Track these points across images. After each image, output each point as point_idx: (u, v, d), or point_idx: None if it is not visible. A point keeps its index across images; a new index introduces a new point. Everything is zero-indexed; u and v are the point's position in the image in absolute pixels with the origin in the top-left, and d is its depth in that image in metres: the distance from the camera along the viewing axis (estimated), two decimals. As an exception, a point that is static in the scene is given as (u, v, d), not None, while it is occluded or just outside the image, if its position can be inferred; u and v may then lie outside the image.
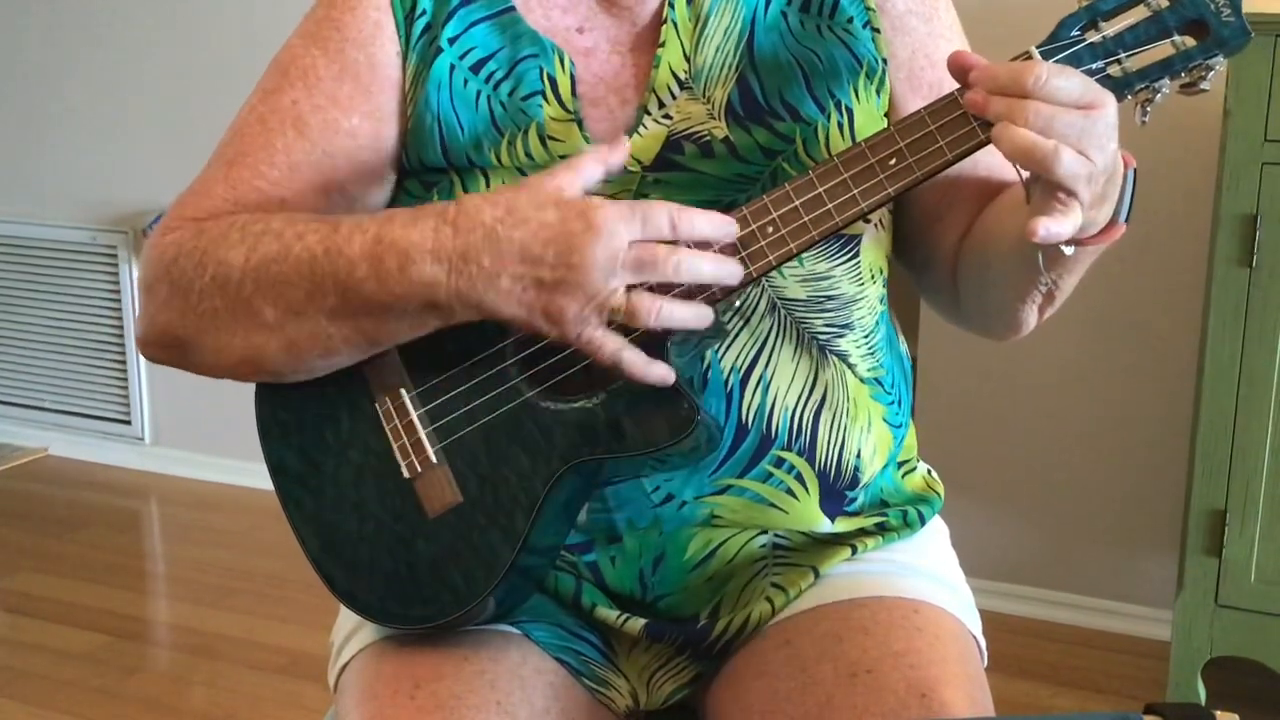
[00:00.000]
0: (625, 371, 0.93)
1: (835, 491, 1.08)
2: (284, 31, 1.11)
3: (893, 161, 0.96)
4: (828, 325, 1.07)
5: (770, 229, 0.97)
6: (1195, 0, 0.93)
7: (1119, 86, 0.94)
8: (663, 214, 0.91)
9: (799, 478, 1.06)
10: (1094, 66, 0.94)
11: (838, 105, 1.05)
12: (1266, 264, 1.98)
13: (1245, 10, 0.94)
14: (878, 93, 1.07)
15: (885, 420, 1.11)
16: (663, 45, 1.06)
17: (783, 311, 1.05)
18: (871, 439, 1.10)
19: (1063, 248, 0.97)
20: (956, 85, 0.95)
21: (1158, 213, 2.39)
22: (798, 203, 0.96)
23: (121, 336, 3.46)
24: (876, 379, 1.10)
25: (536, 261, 0.90)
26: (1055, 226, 0.89)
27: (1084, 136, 0.89)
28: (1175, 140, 2.32)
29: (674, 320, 0.92)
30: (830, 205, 0.96)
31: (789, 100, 1.05)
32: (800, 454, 1.06)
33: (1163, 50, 0.94)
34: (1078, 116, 0.89)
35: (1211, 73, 0.94)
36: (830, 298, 1.07)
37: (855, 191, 0.96)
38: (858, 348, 1.09)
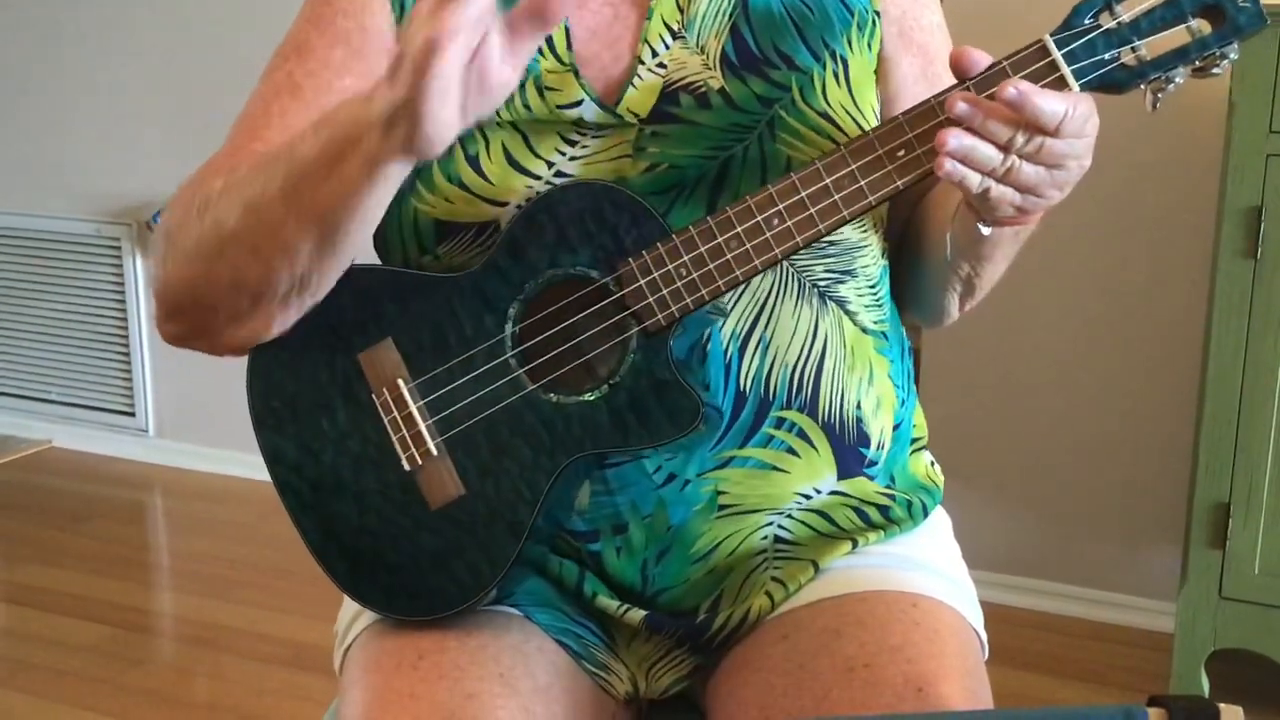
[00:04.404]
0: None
1: (849, 449, 1.08)
2: (286, 23, 1.11)
3: (901, 153, 0.95)
4: (828, 271, 1.07)
5: (776, 221, 0.96)
6: None
7: (1135, 76, 0.93)
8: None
9: (801, 434, 1.06)
10: (1107, 56, 0.93)
11: (832, 55, 1.06)
12: (1271, 256, 1.97)
13: (1253, 1, 0.93)
14: (870, 46, 1.08)
15: (889, 377, 1.11)
16: None
17: (784, 261, 1.05)
18: (873, 393, 1.09)
19: (980, 227, 0.98)
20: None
21: (1162, 205, 2.39)
22: (804, 194, 0.96)
23: (125, 329, 3.46)
24: (882, 333, 1.10)
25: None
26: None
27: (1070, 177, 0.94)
28: (1180, 132, 2.31)
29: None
30: (837, 197, 0.96)
31: (784, 50, 1.05)
32: (801, 409, 1.06)
33: (1177, 37, 0.93)
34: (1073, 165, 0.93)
35: (1226, 60, 0.94)
36: (832, 242, 1.06)
37: (863, 183, 0.95)
38: (860, 296, 1.08)
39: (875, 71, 1.09)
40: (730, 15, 1.06)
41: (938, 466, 1.20)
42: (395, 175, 0.93)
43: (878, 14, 1.09)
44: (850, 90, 1.06)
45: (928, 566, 1.10)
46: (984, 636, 1.11)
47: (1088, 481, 2.53)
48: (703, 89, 1.04)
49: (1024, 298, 2.46)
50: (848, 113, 1.05)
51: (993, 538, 2.58)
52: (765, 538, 1.08)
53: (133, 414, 3.51)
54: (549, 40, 1.05)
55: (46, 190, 3.50)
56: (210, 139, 1.12)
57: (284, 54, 1.09)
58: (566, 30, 1.06)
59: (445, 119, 0.85)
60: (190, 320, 1.04)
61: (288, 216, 0.95)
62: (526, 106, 1.04)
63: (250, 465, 3.23)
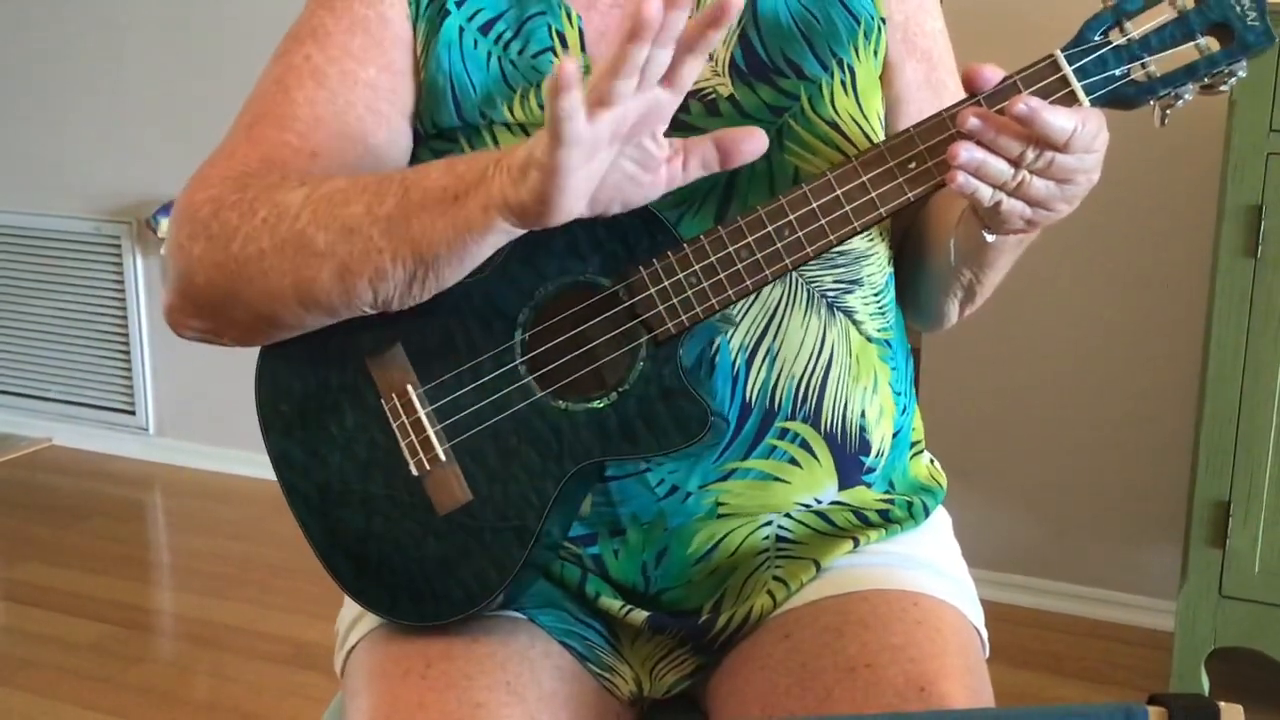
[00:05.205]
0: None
1: (850, 458, 1.08)
2: (287, 20, 1.11)
3: (912, 165, 0.95)
4: (837, 281, 1.07)
5: (787, 231, 0.96)
6: (1221, 2, 0.92)
7: (1143, 92, 0.94)
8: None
9: (804, 445, 1.06)
10: (1118, 72, 0.93)
11: (840, 64, 1.06)
12: (1271, 255, 1.97)
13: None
14: (875, 54, 1.08)
15: (890, 385, 1.11)
16: None
17: (793, 272, 1.05)
18: (877, 402, 1.09)
19: (984, 234, 0.98)
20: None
21: (1163, 203, 2.39)
22: (815, 204, 0.96)
23: (125, 326, 3.46)
24: (886, 340, 1.10)
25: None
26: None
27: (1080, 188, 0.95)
28: (1180, 131, 2.30)
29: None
30: (849, 208, 0.95)
31: (792, 58, 1.05)
32: (805, 420, 1.06)
33: (1186, 54, 0.93)
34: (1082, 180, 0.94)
35: (1234, 77, 0.94)
36: (841, 253, 1.06)
37: (874, 194, 0.95)
38: (866, 305, 1.09)
39: (880, 78, 1.09)
40: (739, 22, 1.05)
41: (938, 465, 1.21)
42: (502, 231, 0.91)
43: (883, 20, 1.09)
44: (858, 99, 1.06)
45: (929, 565, 1.10)
46: (985, 635, 1.11)
47: (1088, 480, 2.53)
48: (712, 95, 1.04)
49: (1024, 296, 2.46)
50: (855, 122, 1.05)
51: (993, 537, 2.58)
52: (767, 537, 1.08)
53: (132, 412, 3.51)
54: (563, 40, 1.05)
55: (46, 189, 3.50)
56: (210, 138, 1.11)
57: (298, 37, 1.06)
58: (580, 31, 1.05)
59: (579, 182, 0.86)
60: (219, 319, 1.01)
61: (386, 244, 0.93)
62: (542, 106, 1.03)
63: (250, 463, 3.23)
